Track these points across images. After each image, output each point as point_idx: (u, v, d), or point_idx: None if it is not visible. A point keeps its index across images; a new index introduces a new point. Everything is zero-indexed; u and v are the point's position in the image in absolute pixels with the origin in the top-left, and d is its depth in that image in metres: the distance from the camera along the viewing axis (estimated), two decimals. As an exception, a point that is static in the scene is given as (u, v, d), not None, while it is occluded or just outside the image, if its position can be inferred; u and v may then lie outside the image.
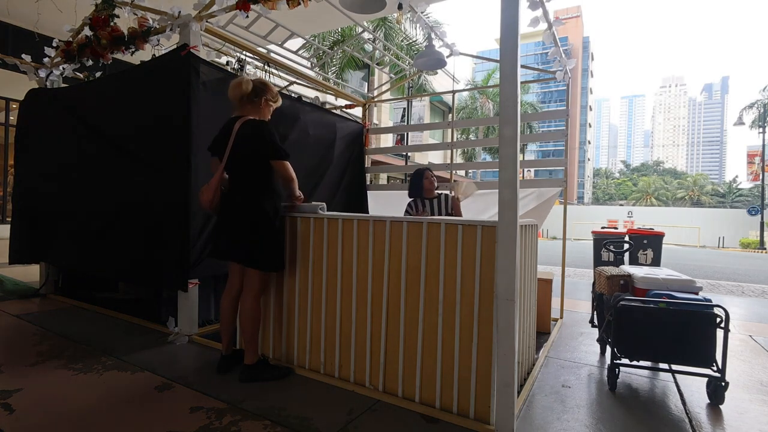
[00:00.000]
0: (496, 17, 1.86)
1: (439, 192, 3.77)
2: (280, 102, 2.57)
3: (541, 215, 4.01)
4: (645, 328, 2.33)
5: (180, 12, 3.10)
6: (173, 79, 2.99)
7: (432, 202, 3.66)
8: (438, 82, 17.24)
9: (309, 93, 5.51)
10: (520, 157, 1.91)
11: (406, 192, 3.79)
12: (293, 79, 4.97)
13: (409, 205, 3.72)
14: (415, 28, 11.95)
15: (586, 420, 2.03)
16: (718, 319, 2.26)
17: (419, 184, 3.62)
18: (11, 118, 8.37)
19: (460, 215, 3.56)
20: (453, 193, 3.65)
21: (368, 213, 4.99)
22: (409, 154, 15.76)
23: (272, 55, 4.28)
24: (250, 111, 2.39)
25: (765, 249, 21.47)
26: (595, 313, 3.35)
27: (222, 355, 2.46)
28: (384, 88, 6.07)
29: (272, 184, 2.39)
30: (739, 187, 59.59)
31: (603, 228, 5.60)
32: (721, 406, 2.23)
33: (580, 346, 3.15)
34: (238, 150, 2.27)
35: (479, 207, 4.29)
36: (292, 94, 4.87)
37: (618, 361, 2.40)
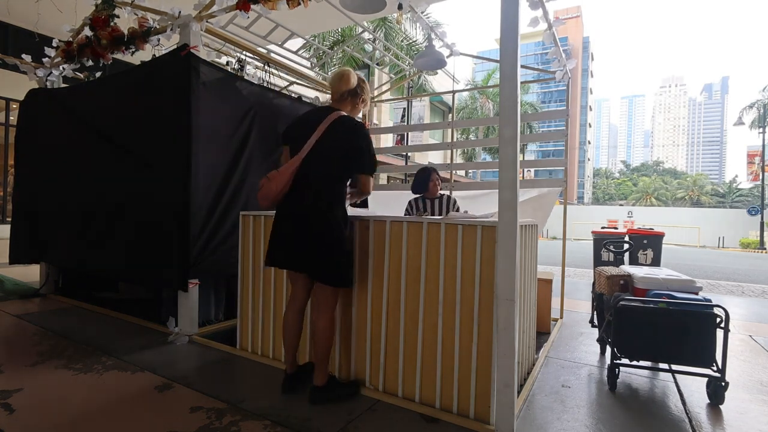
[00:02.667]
0: (496, 17, 1.86)
1: (442, 192, 3.78)
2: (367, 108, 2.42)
3: (542, 216, 4.01)
4: (645, 328, 2.33)
5: (180, 12, 3.10)
6: (173, 79, 2.99)
7: (433, 202, 3.67)
8: (438, 82, 17.24)
9: (309, 93, 5.51)
10: (520, 157, 1.91)
11: (406, 192, 3.79)
12: (293, 79, 4.97)
13: (409, 203, 3.73)
14: (415, 28, 11.95)
15: (586, 420, 2.03)
16: (718, 319, 2.26)
17: (425, 183, 3.65)
18: (11, 118, 8.37)
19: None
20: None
21: (368, 212, 4.99)
22: (409, 154, 15.76)
23: (272, 55, 4.28)
24: (344, 108, 2.17)
25: (765, 249, 21.47)
26: (595, 313, 3.35)
27: (287, 375, 2.21)
28: (384, 88, 6.07)
29: (345, 190, 2.15)
30: (739, 187, 59.58)
31: (603, 228, 5.60)
32: (721, 406, 2.23)
33: (580, 346, 3.15)
34: (326, 147, 2.01)
35: (479, 207, 4.30)
36: (292, 94, 4.86)
37: (618, 361, 2.40)
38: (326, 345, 2.09)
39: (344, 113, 2.09)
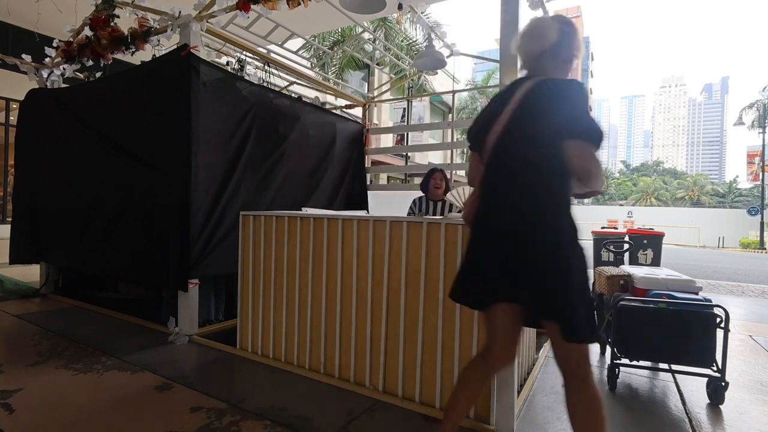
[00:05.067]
0: (496, 17, 1.86)
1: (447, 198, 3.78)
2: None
3: None
4: (645, 328, 2.33)
5: (180, 12, 3.10)
6: (173, 79, 2.99)
7: (435, 204, 3.68)
8: (438, 82, 17.23)
9: (309, 93, 5.51)
10: (520, 157, 1.91)
11: (407, 192, 3.81)
12: (293, 79, 4.97)
13: (413, 201, 3.76)
14: (415, 28, 11.94)
15: (586, 420, 2.03)
16: (718, 319, 2.26)
17: (426, 183, 3.68)
18: (11, 118, 8.37)
19: None
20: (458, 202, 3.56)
21: (368, 213, 5.00)
22: (409, 154, 15.76)
23: (272, 55, 4.28)
24: (546, 72, 1.48)
25: (765, 249, 21.47)
26: (595, 313, 3.34)
27: None
28: (384, 88, 6.07)
29: (569, 183, 1.39)
30: (739, 187, 59.58)
31: (603, 228, 5.61)
32: (721, 406, 2.23)
33: (580, 346, 3.15)
34: (524, 126, 1.40)
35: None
36: (292, 94, 4.87)
37: (618, 361, 2.40)
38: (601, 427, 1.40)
39: (542, 78, 1.45)
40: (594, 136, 1.33)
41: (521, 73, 1.58)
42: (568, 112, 1.35)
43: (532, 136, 1.39)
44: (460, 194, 3.21)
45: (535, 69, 1.51)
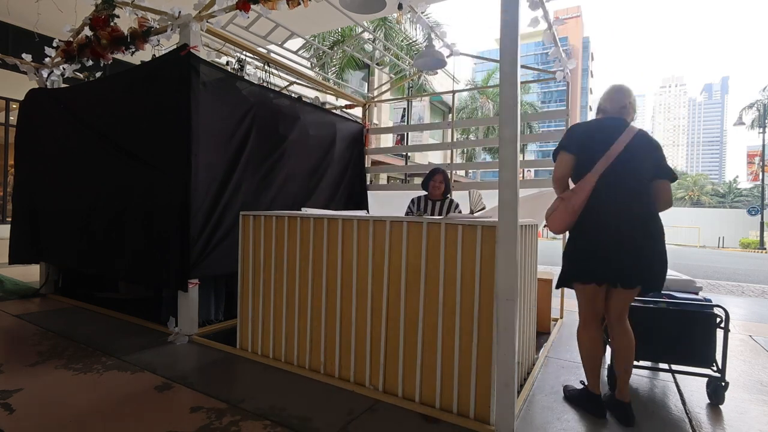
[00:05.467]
0: (496, 17, 1.86)
1: (447, 196, 3.78)
2: None
3: (542, 216, 3.99)
4: (645, 328, 2.33)
5: (180, 12, 3.10)
6: (173, 79, 2.99)
7: (435, 203, 3.68)
8: (438, 82, 17.24)
9: (309, 93, 5.51)
10: (520, 157, 1.91)
11: (407, 192, 3.81)
12: (293, 79, 4.97)
13: (412, 201, 3.77)
14: (415, 28, 11.94)
15: (586, 420, 2.03)
16: (718, 319, 2.26)
17: (428, 182, 3.69)
18: (11, 118, 8.37)
19: None
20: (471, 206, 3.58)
21: (368, 213, 5.00)
22: (409, 154, 15.76)
23: (272, 55, 4.28)
24: (627, 116, 2.12)
25: (765, 249, 21.47)
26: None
27: (602, 398, 2.11)
28: (384, 88, 6.07)
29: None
30: (739, 187, 59.57)
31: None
32: (721, 406, 2.23)
33: (580, 346, 3.15)
34: (635, 160, 1.98)
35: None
36: (292, 94, 4.87)
37: (618, 361, 2.39)
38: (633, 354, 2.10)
39: (641, 129, 2.07)
40: (675, 177, 2.06)
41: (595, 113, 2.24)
42: (661, 159, 2.05)
43: (640, 167, 1.99)
44: (473, 198, 3.32)
45: (619, 113, 2.13)
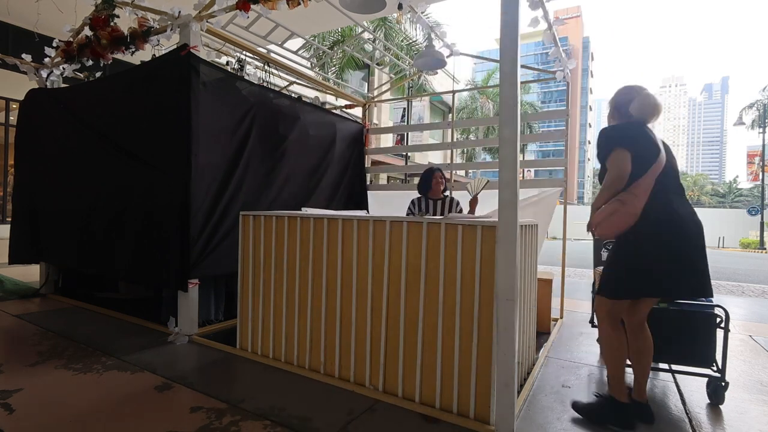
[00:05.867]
0: (496, 17, 1.86)
1: (446, 194, 3.79)
2: None
3: (543, 218, 3.99)
4: (645, 328, 2.33)
5: (180, 12, 3.10)
6: (173, 79, 2.99)
7: (436, 202, 3.68)
8: (438, 82, 17.24)
9: (309, 93, 5.51)
10: (520, 157, 1.91)
11: (406, 192, 3.80)
12: (293, 79, 4.97)
13: (412, 202, 3.76)
14: (415, 28, 11.94)
15: (586, 420, 2.03)
16: (718, 319, 2.26)
17: (428, 183, 3.67)
18: (11, 118, 8.37)
19: (474, 213, 3.55)
20: (470, 193, 3.62)
21: (368, 213, 5.00)
22: (409, 154, 15.76)
23: (272, 55, 4.28)
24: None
25: (765, 249, 21.47)
26: (595, 313, 3.34)
27: (638, 404, 2.01)
28: (384, 88, 6.07)
29: None
30: (739, 187, 59.57)
31: (603, 228, 5.59)
32: (721, 406, 2.23)
33: (580, 346, 3.15)
34: (673, 164, 2.00)
35: (479, 207, 4.29)
36: (292, 94, 4.87)
37: (618, 361, 2.39)
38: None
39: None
40: None
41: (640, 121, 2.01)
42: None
43: (676, 172, 2.02)
44: (474, 183, 3.56)
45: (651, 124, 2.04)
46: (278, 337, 2.62)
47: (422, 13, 6.85)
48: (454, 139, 5.19)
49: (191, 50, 2.95)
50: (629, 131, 1.95)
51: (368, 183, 5.26)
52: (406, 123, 18.22)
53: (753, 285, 7.42)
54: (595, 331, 3.27)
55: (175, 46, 3.04)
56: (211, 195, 3.06)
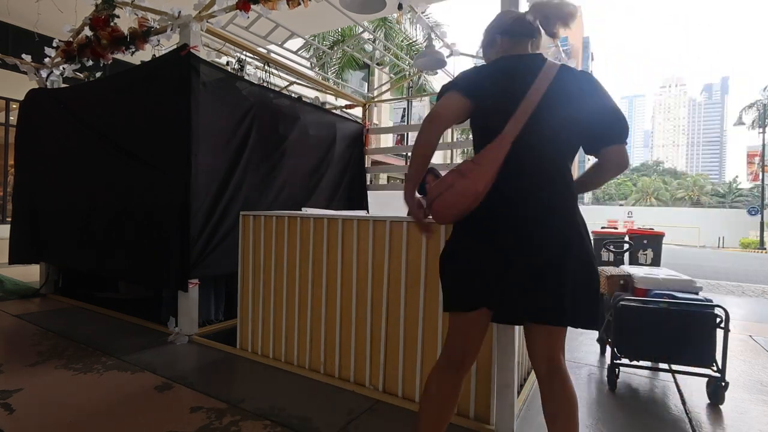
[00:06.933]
0: (496, 17, 1.86)
1: None
2: None
3: None
4: (645, 328, 2.33)
5: (180, 12, 3.10)
6: (173, 79, 2.99)
7: None
8: (438, 82, 17.22)
9: (309, 93, 5.51)
10: (520, 157, 1.91)
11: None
12: (293, 79, 4.97)
13: None
14: (415, 28, 11.95)
15: (586, 420, 2.03)
16: (718, 319, 2.26)
17: (422, 185, 3.66)
18: (11, 118, 8.37)
19: None
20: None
21: (368, 213, 5.00)
22: (409, 154, 15.76)
23: (272, 55, 4.28)
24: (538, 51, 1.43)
25: (765, 249, 21.47)
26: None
27: None
28: (384, 88, 6.06)
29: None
30: (739, 187, 59.58)
31: (603, 228, 5.61)
32: (721, 406, 2.23)
33: (580, 346, 3.15)
34: (557, 116, 1.28)
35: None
36: (292, 94, 4.87)
37: (618, 361, 2.40)
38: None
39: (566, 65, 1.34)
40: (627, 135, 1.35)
41: (519, 44, 1.42)
42: (609, 109, 1.30)
43: (570, 128, 1.31)
44: None
45: (536, 46, 1.44)
46: (278, 337, 2.62)
47: (422, 13, 6.86)
48: (454, 139, 5.19)
49: (191, 50, 2.94)
50: (474, 76, 1.36)
51: (368, 183, 5.26)
52: (406, 123, 18.22)
53: (753, 285, 7.42)
54: (595, 331, 3.27)
55: (175, 47, 3.04)
56: (211, 195, 3.06)
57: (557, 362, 1.39)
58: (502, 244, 1.28)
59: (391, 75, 5.79)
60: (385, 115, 17.58)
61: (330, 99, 6.16)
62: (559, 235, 1.27)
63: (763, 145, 23.84)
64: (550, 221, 1.28)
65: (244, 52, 4.30)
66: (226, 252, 3.11)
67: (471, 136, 1.50)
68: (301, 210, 2.78)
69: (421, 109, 19.83)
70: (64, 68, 4.23)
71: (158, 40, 3.37)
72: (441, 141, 1.47)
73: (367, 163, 5.26)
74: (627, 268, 2.98)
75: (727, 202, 56.10)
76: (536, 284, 1.26)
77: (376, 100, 5.64)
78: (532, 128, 1.26)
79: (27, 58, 4.20)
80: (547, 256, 1.26)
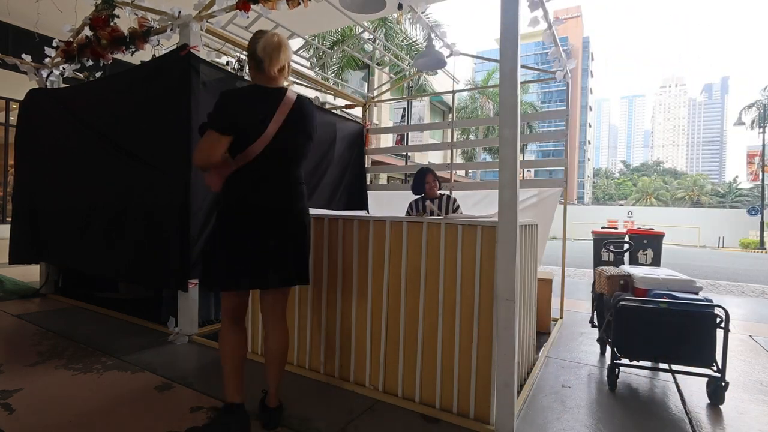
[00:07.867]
0: (496, 17, 1.86)
1: (442, 192, 3.79)
2: None
3: (545, 218, 3.99)
4: (645, 328, 2.33)
5: (180, 12, 3.10)
6: (173, 79, 2.99)
7: (433, 202, 3.68)
8: (438, 82, 17.23)
9: (309, 93, 5.51)
10: (520, 157, 1.91)
11: (407, 192, 3.80)
12: (293, 79, 4.96)
13: (410, 205, 3.75)
14: (415, 28, 11.94)
15: (586, 420, 2.03)
16: (718, 319, 2.26)
17: (421, 184, 3.67)
18: (11, 118, 8.37)
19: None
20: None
21: (368, 213, 5.00)
22: (409, 154, 15.76)
23: (272, 55, 4.27)
24: (281, 83, 1.80)
25: (765, 249, 21.47)
26: (595, 313, 3.35)
27: (239, 406, 1.77)
28: (384, 88, 6.06)
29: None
30: (739, 187, 59.57)
31: (603, 228, 5.60)
32: (721, 406, 2.23)
33: (580, 346, 3.15)
34: (293, 133, 1.75)
35: (479, 208, 4.30)
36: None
37: (618, 361, 2.40)
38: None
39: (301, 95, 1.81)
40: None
41: (277, 82, 1.77)
42: (312, 133, 1.84)
43: (302, 144, 1.80)
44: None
45: (278, 79, 1.77)
46: (278, 337, 2.61)
47: (422, 13, 6.86)
48: (454, 139, 5.19)
49: (191, 50, 2.94)
50: (230, 108, 1.68)
51: (368, 183, 5.26)
52: (406, 123, 18.22)
53: (753, 285, 7.42)
54: (595, 331, 3.27)
55: (175, 46, 3.04)
56: (211, 195, 3.05)
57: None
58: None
59: (391, 75, 5.79)
60: (385, 115, 17.59)
61: (330, 99, 6.17)
62: None
63: (763, 145, 23.83)
64: None
65: (244, 52, 4.30)
66: (226, 252, 3.10)
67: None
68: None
69: (421, 109, 19.84)
70: (64, 68, 4.23)
71: (158, 40, 3.37)
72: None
73: (367, 163, 5.26)
74: (627, 268, 2.98)
75: (727, 202, 56.09)
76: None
77: (376, 100, 5.64)
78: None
79: (27, 58, 4.20)
80: None
